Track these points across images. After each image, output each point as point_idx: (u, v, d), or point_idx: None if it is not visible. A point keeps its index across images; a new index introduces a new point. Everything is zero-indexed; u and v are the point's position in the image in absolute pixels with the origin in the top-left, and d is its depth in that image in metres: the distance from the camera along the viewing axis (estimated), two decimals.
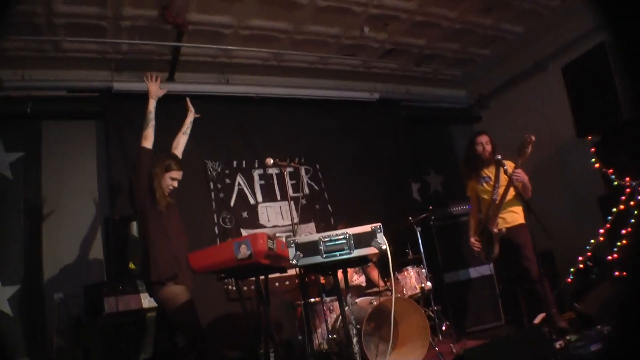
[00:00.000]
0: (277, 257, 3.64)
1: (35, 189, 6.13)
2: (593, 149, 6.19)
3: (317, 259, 3.42)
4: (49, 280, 5.93)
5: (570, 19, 6.87)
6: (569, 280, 6.19)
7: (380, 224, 3.49)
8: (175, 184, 4.49)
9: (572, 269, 6.20)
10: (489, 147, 5.58)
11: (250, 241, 3.31)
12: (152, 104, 4.77)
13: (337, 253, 3.43)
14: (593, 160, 6.18)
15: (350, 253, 3.42)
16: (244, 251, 3.30)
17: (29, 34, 5.69)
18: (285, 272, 4.22)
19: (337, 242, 3.44)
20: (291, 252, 3.43)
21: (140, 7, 5.74)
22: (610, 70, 5.73)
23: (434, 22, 6.95)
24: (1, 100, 6.05)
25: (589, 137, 6.28)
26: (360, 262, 3.74)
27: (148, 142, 4.45)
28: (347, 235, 3.45)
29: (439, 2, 6.51)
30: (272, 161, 4.63)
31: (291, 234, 6.84)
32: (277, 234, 6.86)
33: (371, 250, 3.44)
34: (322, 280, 5.63)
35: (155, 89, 4.91)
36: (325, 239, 3.44)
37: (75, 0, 5.45)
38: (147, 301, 5.34)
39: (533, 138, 4.78)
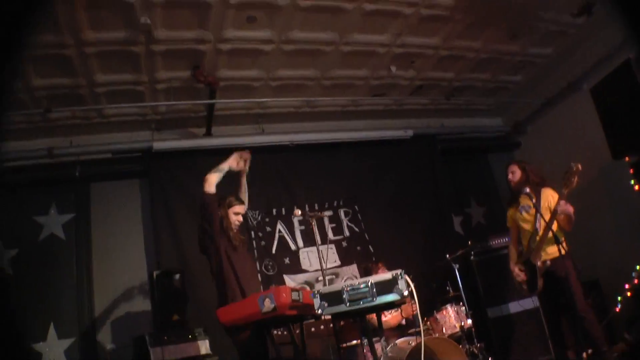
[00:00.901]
0: (306, 307, 3.74)
1: (86, 248, 6.49)
2: (632, 170, 6.05)
3: (342, 308, 3.51)
4: (101, 333, 6.24)
5: (598, 35, 6.78)
6: (617, 309, 5.99)
7: (401, 270, 3.53)
8: (240, 218, 4.70)
9: (619, 297, 6.00)
10: (517, 176, 5.47)
11: (273, 295, 3.42)
12: (228, 166, 4.71)
13: (361, 301, 3.50)
14: (632, 181, 6.03)
15: (373, 301, 3.49)
16: (268, 305, 3.41)
17: (74, 105, 6.16)
18: (318, 319, 4.31)
19: (360, 291, 3.51)
20: (316, 302, 3.54)
21: (173, 70, 6.07)
22: (638, 86, 5.63)
23: (459, 55, 7.00)
24: (53, 167, 6.51)
25: (627, 158, 6.13)
26: (385, 309, 3.79)
27: (210, 186, 4.51)
28: (370, 283, 3.52)
29: (462, 35, 6.55)
30: (300, 212, 4.76)
31: (334, 277, 6.96)
32: (320, 278, 6.93)
33: (394, 297, 3.49)
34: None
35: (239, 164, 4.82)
36: (349, 288, 3.52)
37: (113, 70, 5.84)
38: (198, 349, 5.51)
39: (580, 167, 4.60)
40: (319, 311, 3.51)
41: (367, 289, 3.50)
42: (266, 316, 3.44)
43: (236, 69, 6.29)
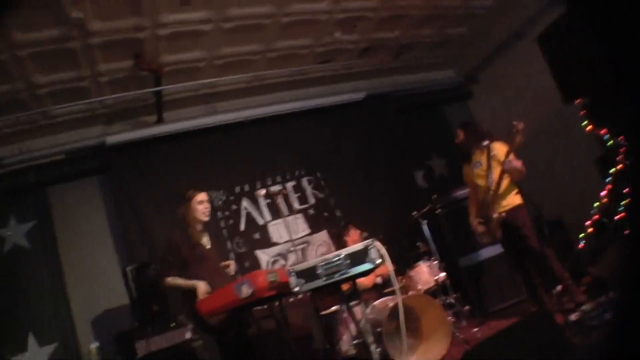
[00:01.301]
0: (284, 285, 3.79)
1: (53, 253, 6.39)
2: (582, 112, 6.18)
3: (318, 283, 3.55)
4: (83, 334, 6.21)
5: None
6: (581, 246, 6.18)
7: (372, 239, 3.59)
8: (207, 205, 4.76)
9: (581, 235, 6.18)
10: (460, 137, 5.77)
11: (250, 281, 3.47)
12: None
13: (336, 274, 3.55)
14: (584, 123, 6.17)
15: (348, 272, 3.55)
16: (246, 291, 3.47)
17: (17, 111, 5.96)
18: (297, 294, 4.38)
19: (334, 264, 3.56)
20: (292, 280, 3.57)
21: (115, 61, 5.95)
22: (584, 33, 5.69)
23: (401, 14, 7.00)
24: (5, 176, 6.35)
25: (577, 101, 6.25)
26: (360, 277, 3.86)
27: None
28: (342, 255, 3.58)
29: None
30: (264, 192, 4.80)
31: (306, 245, 7.03)
32: (292, 248, 7.00)
33: (368, 267, 3.55)
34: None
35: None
36: (323, 263, 3.57)
37: (52, 69, 5.69)
38: (183, 335, 5.52)
39: (521, 125, 4.82)
40: (296, 289, 3.56)
41: (340, 261, 3.55)
42: (246, 301, 3.48)
43: (178, 52, 6.19)
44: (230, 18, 5.84)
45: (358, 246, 3.64)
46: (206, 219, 4.75)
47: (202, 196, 4.75)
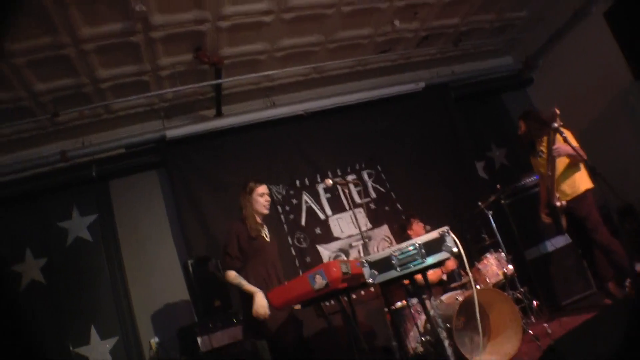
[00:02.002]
0: (355, 277, 3.67)
1: (114, 246, 6.44)
2: None
3: (393, 274, 3.42)
4: (144, 328, 6.23)
5: None
6: None
7: (447, 227, 3.43)
8: (268, 197, 4.70)
9: None
10: (522, 129, 5.70)
11: (324, 271, 3.34)
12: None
13: (411, 264, 3.41)
14: None
15: (423, 262, 3.41)
16: (319, 282, 3.34)
17: (80, 104, 6.03)
18: (367, 286, 4.24)
19: (409, 254, 3.43)
20: (366, 271, 3.45)
21: (175, 55, 5.91)
22: None
23: None
24: (68, 170, 6.41)
25: None
26: (433, 267, 3.71)
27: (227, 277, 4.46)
28: (417, 244, 3.43)
29: None
30: (330, 182, 4.64)
31: (367, 240, 6.88)
32: (353, 243, 6.89)
33: (444, 256, 3.40)
34: (406, 281, 5.61)
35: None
36: (397, 253, 3.43)
37: (115, 63, 5.71)
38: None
39: (557, 111, 4.67)
40: (370, 280, 3.43)
41: (415, 250, 3.41)
42: (320, 293, 3.38)
43: (239, 44, 6.12)
44: (291, 8, 5.73)
45: (433, 234, 3.49)
46: (266, 211, 4.70)
47: (263, 188, 4.69)
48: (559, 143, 4.98)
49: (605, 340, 3.20)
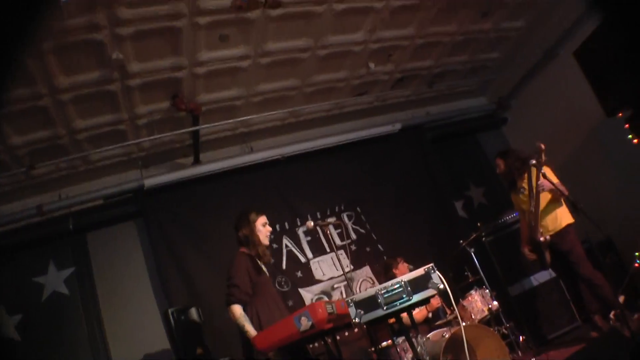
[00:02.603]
0: (340, 317, 3.62)
1: (92, 299, 6.29)
2: (627, 125, 6.01)
3: (379, 313, 3.36)
4: None
5: (566, 1, 6.75)
6: (637, 264, 5.94)
7: (432, 264, 3.42)
8: (269, 227, 4.63)
9: (637, 253, 5.94)
10: (500, 167, 5.82)
11: (309, 312, 3.29)
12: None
13: (397, 302, 3.37)
14: (630, 136, 5.99)
15: (410, 300, 3.36)
16: (305, 323, 3.28)
17: (57, 156, 5.95)
18: (352, 327, 4.16)
19: (394, 292, 3.38)
20: (352, 311, 3.39)
21: (152, 102, 5.93)
22: (623, 44, 5.58)
23: (435, 41, 6.95)
24: (45, 224, 6.30)
25: (620, 114, 6.09)
26: (419, 305, 3.67)
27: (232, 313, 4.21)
28: (403, 282, 3.39)
29: (435, 21, 6.48)
30: (312, 224, 4.57)
31: (349, 281, 6.82)
32: (335, 285, 6.82)
33: (430, 292, 3.37)
34: (392, 320, 5.55)
35: None
36: (382, 292, 3.38)
37: (92, 113, 5.69)
38: None
39: (543, 146, 4.77)
40: (356, 320, 3.36)
41: (401, 288, 3.37)
42: (305, 334, 3.30)
43: (216, 90, 6.16)
44: (267, 52, 5.80)
45: (419, 272, 3.46)
46: (268, 243, 4.59)
47: (265, 218, 4.62)
48: (541, 179, 5.04)
49: None
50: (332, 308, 3.46)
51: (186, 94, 5.91)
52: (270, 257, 4.61)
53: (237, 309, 4.14)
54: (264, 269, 4.54)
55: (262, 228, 4.55)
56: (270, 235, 4.64)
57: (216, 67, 5.70)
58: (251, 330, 4.04)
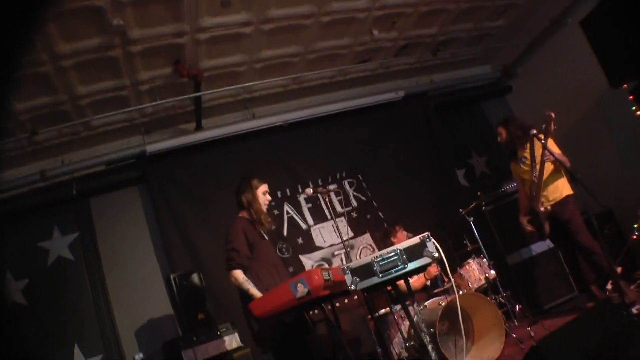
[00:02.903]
0: (337, 284, 3.65)
1: (96, 264, 6.37)
2: (631, 97, 5.96)
3: (374, 280, 3.40)
4: (128, 344, 6.16)
5: None
6: (634, 237, 5.97)
7: (428, 233, 3.44)
8: (269, 197, 4.66)
9: (635, 225, 5.96)
10: (503, 136, 5.72)
11: (305, 279, 3.31)
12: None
13: (393, 270, 3.40)
14: (634, 108, 5.95)
15: (405, 267, 3.40)
16: (301, 290, 3.31)
17: (59, 122, 5.96)
18: (349, 294, 4.20)
19: (390, 260, 3.41)
20: (348, 278, 3.43)
21: (154, 68, 5.90)
22: (632, 14, 5.48)
23: (440, 9, 6.86)
24: (48, 189, 6.34)
25: (624, 85, 6.04)
26: (415, 273, 3.71)
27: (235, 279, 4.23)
28: (399, 250, 3.43)
29: None
30: (311, 191, 4.60)
31: (349, 248, 6.89)
32: (336, 252, 6.89)
33: (425, 261, 3.40)
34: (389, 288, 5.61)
35: None
36: (378, 259, 3.42)
37: (94, 79, 5.67)
38: (228, 344, 5.51)
39: (552, 115, 4.70)
40: (352, 287, 3.41)
41: (397, 257, 3.40)
42: (301, 301, 3.34)
43: (218, 57, 6.12)
44: (270, 19, 5.74)
45: (414, 240, 3.48)
46: (265, 211, 4.59)
47: (266, 187, 4.64)
48: (550, 146, 5.01)
49: (587, 340, 3.23)
50: (329, 275, 3.49)
51: (188, 60, 5.87)
52: (271, 223, 4.64)
53: (239, 274, 4.18)
54: (264, 234, 4.57)
55: (262, 196, 4.58)
56: (268, 204, 4.66)
57: (218, 33, 5.65)
58: (257, 293, 4.08)
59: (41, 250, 6.25)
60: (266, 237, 4.59)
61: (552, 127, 4.75)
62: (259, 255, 4.34)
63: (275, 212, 6.96)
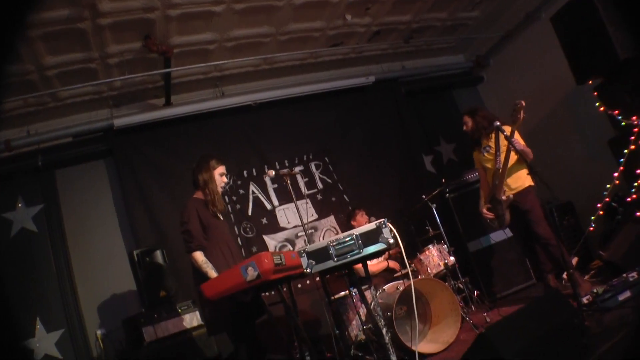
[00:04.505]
0: (290, 268, 3.69)
1: (60, 237, 6.33)
2: (595, 93, 6.10)
3: (330, 264, 3.51)
4: (90, 319, 6.17)
5: None
6: (591, 228, 6.15)
7: (384, 219, 3.53)
8: (225, 179, 4.67)
9: (592, 217, 6.15)
10: (469, 125, 5.77)
11: (255, 262, 3.33)
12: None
13: (348, 254, 3.51)
14: (597, 104, 6.09)
15: (360, 252, 3.50)
16: (251, 273, 3.33)
17: (26, 92, 5.86)
18: (305, 277, 4.27)
19: (346, 244, 3.52)
20: (304, 261, 3.52)
21: (124, 42, 5.84)
22: (598, 13, 5.59)
23: None
24: (13, 159, 6.25)
25: (589, 82, 6.18)
26: (371, 258, 3.81)
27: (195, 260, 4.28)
28: (355, 235, 3.52)
29: None
30: (273, 173, 4.68)
31: (312, 230, 6.97)
32: (299, 233, 6.96)
33: (380, 246, 3.50)
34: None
35: None
36: (334, 243, 3.51)
37: (62, 50, 5.59)
38: (189, 322, 5.57)
39: (523, 103, 4.73)
40: (308, 270, 3.50)
41: (352, 241, 3.51)
42: (252, 284, 3.37)
43: (189, 34, 6.08)
44: None
45: (370, 226, 3.60)
46: (221, 191, 4.64)
47: (223, 168, 4.68)
48: (517, 137, 5.13)
49: (534, 328, 3.36)
50: (281, 259, 3.53)
51: (158, 35, 5.82)
52: (225, 206, 4.67)
53: (199, 256, 4.24)
54: (219, 215, 4.59)
55: (219, 177, 4.61)
56: (224, 187, 4.69)
57: (189, 10, 5.61)
58: (214, 274, 4.13)
59: (4, 221, 6.19)
60: (221, 217, 4.61)
61: (522, 115, 4.77)
62: (212, 236, 4.38)
63: (241, 191, 7.01)
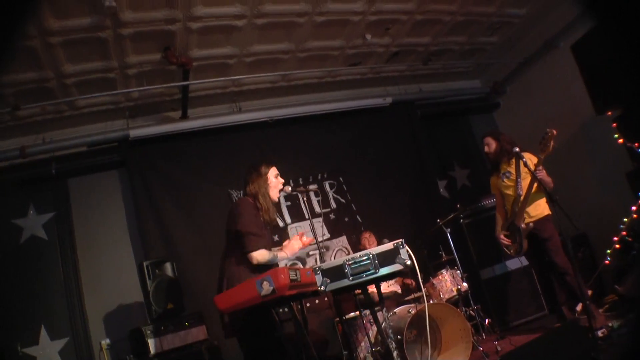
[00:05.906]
0: (304, 285, 3.62)
1: (70, 245, 6.30)
2: (614, 124, 6.02)
3: (344, 283, 3.42)
4: (95, 329, 6.11)
5: None
6: (607, 262, 6.03)
7: (402, 240, 3.45)
8: (282, 179, 4.30)
9: (608, 251, 6.03)
10: (492, 147, 5.63)
11: (271, 277, 3.27)
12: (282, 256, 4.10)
13: (364, 274, 3.42)
14: (616, 135, 6.01)
15: (376, 272, 3.42)
16: (266, 288, 3.27)
17: (43, 99, 5.87)
18: (318, 295, 4.18)
19: (362, 264, 3.43)
20: (318, 278, 3.44)
21: (143, 53, 5.85)
22: (619, 42, 5.55)
23: (435, 19, 6.88)
24: (27, 166, 6.24)
25: (609, 113, 6.10)
26: (388, 279, 3.72)
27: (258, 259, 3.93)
28: (371, 255, 3.44)
29: None
30: (289, 188, 4.42)
31: (324, 250, 6.89)
32: (311, 252, 6.89)
33: (397, 267, 3.42)
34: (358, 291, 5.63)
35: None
36: (350, 262, 3.43)
37: (82, 59, 5.60)
38: (195, 335, 5.50)
39: (555, 132, 4.65)
40: (322, 287, 3.41)
41: (369, 261, 3.42)
42: (266, 299, 3.30)
43: (209, 47, 6.08)
44: (264, 14, 5.71)
45: (387, 246, 3.51)
46: (277, 198, 4.26)
47: (275, 169, 4.26)
48: (540, 166, 4.97)
49: (549, 358, 3.27)
50: (297, 275, 3.46)
51: (178, 47, 5.84)
52: (276, 217, 4.29)
53: (264, 253, 3.92)
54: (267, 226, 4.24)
55: (275, 180, 4.23)
56: (283, 189, 4.32)
57: (210, 23, 5.62)
58: (282, 253, 4.00)
59: (15, 228, 6.18)
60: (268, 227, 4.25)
61: (552, 144, 4.70)
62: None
63: None
